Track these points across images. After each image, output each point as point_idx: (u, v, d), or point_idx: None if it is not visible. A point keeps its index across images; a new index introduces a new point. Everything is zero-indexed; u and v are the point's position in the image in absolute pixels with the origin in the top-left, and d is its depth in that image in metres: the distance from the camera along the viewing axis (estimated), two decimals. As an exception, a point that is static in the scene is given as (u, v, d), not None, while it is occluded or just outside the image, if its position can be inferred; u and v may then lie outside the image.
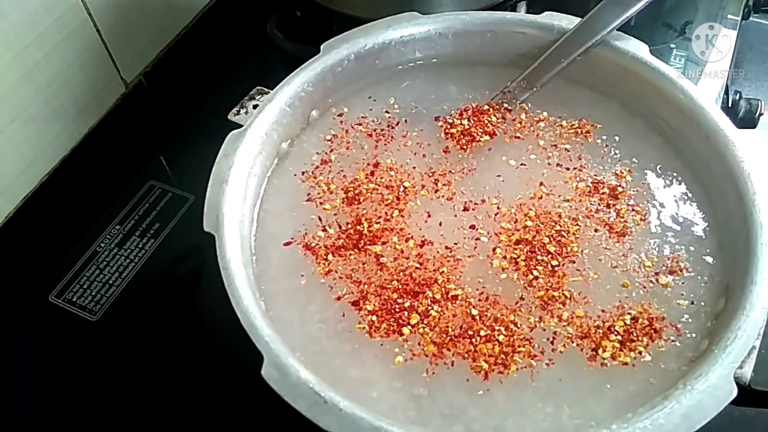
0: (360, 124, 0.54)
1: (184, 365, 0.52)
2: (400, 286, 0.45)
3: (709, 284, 0.45)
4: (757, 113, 0.60)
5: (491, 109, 0.54)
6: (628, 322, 0.43)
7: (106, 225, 0.59)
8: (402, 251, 0.47)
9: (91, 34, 0.57)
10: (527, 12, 0.63)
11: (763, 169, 0.46)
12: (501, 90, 0.55)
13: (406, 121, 0.54)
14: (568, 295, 0.44)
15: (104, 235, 0.58)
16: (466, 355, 0.42)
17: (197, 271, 0.57)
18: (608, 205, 0.49)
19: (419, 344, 0.43)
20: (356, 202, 0.49)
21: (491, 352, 0.42)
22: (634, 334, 0.43)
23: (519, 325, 0.43)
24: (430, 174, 0.51)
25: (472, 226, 0.48)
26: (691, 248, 0.47)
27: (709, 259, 0.46)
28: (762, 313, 0.40)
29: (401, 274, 0.45)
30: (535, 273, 0.45)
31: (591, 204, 0.49)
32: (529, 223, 0.48)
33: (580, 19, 0.52)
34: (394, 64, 0.56)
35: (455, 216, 0.49)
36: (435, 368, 0.42)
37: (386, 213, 0.49)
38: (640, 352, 0.42)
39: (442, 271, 0.45)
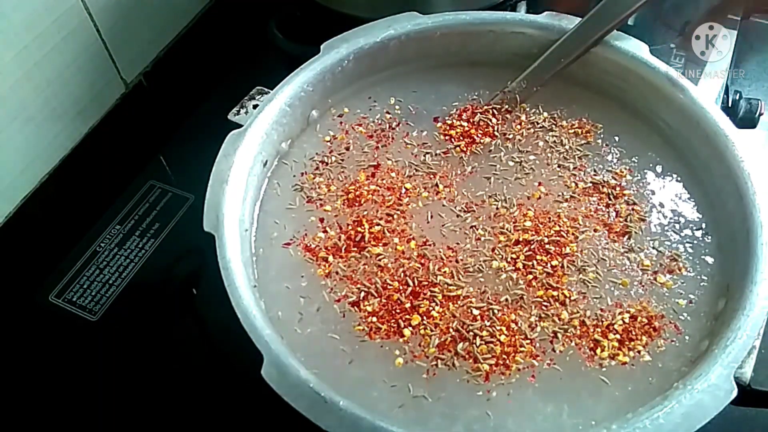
0: (360, 125, 0.54)
1: (184, 365, 0.52)
2: (401, 287, 0.45)
3: (708, 284, 0.45)
4: (757, 113, 0.60)
5: (491, 110, 0.54)
6: (627, 320, 0.43)
7: (106, 225, 0.59)
8: (403, 252, 0.47)
9: (91, 34, 0.57)
10: (527, 12, 0.63)
11: (763, 169, 0.46)
12: (501, 90, 0.55)
13: (406, 121, 0.54)
14: (568, 295, 0.45)
15: (104, 235, 0.58)
16: (467, 356, 0.42)
17: (197, 271, 0.57)
18: (607, 205, 0.49)
19: (420, 345, 0.43)
20: (357, 204, 0.49)
21: (493, 353, 0.42)
22: (633, 333, 0.43)
23: (520, 325, 0.43)
24: (432, 176, 0.51)
25: (473, 227, 0.48)
26: (691, 248, 0.47)
27: (709, 259, 0.46)
28: (762, 313, 0.40)
29: (402, 275, 0.45)
30: (535, 273, 0.45)
31: (590, 204, 0.49)
32: (528, 223, 0.48)
33: (580, 19, 0.52)
34: (394, 64, 0.56)
35: (457, 217, 0.49)
36: (435, 369, 0.42)
37: (387, 214, 0.49)
38: (639, 352, 0.42)
39: (444, 272, 0.45)
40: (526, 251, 0.46)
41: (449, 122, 0.54)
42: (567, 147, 0.52)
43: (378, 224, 0.48)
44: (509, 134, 0.53)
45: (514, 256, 0.46)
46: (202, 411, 0.50)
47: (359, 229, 0.48)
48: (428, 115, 0.55)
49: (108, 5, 0.57)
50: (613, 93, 0.54)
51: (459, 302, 0.44)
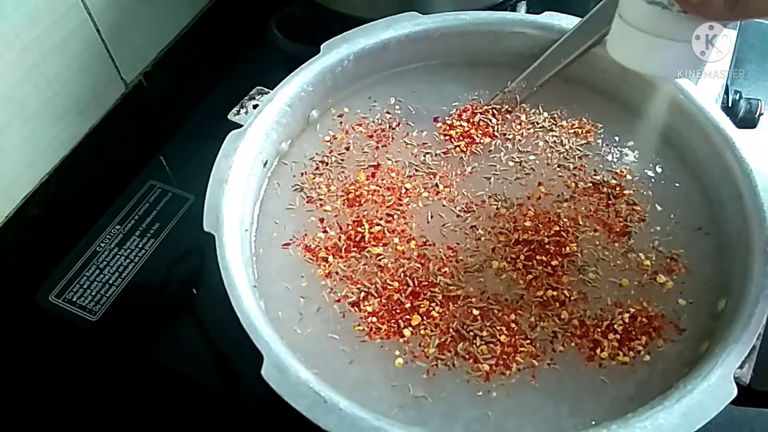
0: (360, 125, 0.54)
1: (183, 365, 0.52)
2: (401, 287, 0.45)
3: (708, 284, 0.45)
4: (757, 113, 0.60)
5: (491, 110, 0.54)
6: (627, 320, 0.43)
7: (106, 225, 0.59)
8: (403, 252, 0.47)
9: (91, 34, 0.57)
10: (527, 12, 0.63)
11: (763, 168, 0.46)
12: (501, 90, 0.55)
13: (406, 121, 0.54)
14: (568, 295, 0.45)
15: (104, 235, 0.58)
16: (467, 356, 0.42)
17: (197, 271, 0.57)
18: (607, 205, 0.49)
19: (420, 346, 0.43)
20: (357, 204, 0.49)
21: (493, 353, 0.42)
22: (633, 333, 0.43)
23: (520, 325, 0.43)
24: (432, 176, 0.51)
25: (473, 227, 0.48)
26: (691, 248, 0.47)
27: (709, 259, 0.46)
28: (762, 313, 0.40)
29: (402, 275, 0.45)
30: (535, 273, 0.45)
31: (590, 204, 0.49)
32: (528, 223, 0.48)
33: (580, 19, 0.52)
34: (394, 64, 0.56)
35: (457, 217, 0.49)
36: (435, 369, 0.42)
37: (387, 215, 0.49)
38: (639, 352, 0.42)
39: (444, 272, 0.45)
40: (526, 251, 0.46)
41: (449, 122, 0.54)
42: (567, 147, 0.52)
43: (378, 224, 0.48)
44: (509, 134, 0.53)
45: (514, 256, 0.46)
46: (202, 411, 0.50)
47: (359, 229, 0.48)
48: (428, 115, 0.55)
49: (108, 5, 0.57)
50: (613, 93, 0.54)
51: (459, 302, 0.44)
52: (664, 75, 0.45)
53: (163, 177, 0.62)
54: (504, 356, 0.42)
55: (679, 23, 0.35)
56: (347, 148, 0.53)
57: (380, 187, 0.50)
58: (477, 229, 0.48)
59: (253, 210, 0.49)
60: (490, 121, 0.54)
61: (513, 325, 0.43)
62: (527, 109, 0.55)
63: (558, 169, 0.51)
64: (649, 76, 0.42)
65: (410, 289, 0.45)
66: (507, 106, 0.55)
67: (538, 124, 0.54)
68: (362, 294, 0.45)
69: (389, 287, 0.45)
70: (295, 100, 0.51)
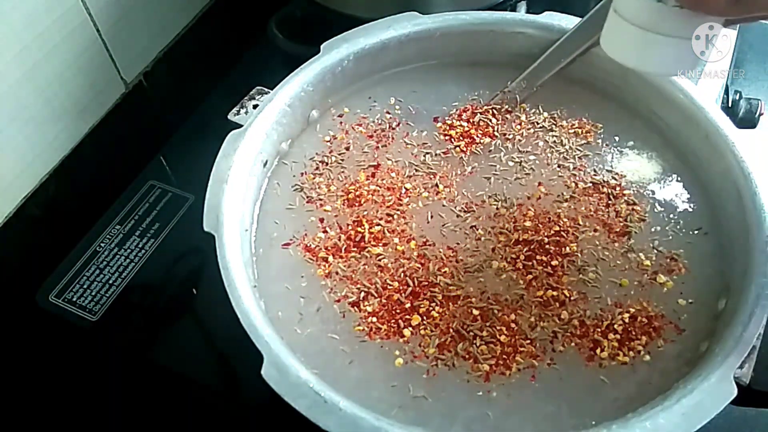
0: (360, 125, 0.54)
1: (183, 365, 0.52)
2: (401, 287, 0.45)
3: (708, 284, 0.45)
4: (757, 113, 0.60)
5: (491, 110, 0.54)
6: (626, 320, 0.44)
7: (106, 225, 0.59)
8: (403, 252, 0.47)
9: (91, 34, 0.57)
10: (527, 12, 0.63)
11: (763, 169, 0.46)
12: (501, 90, 0.55)
13: (406, 121, 0.54)
14: (568, 295, 0.45)
15: (104, 235, 0.58)
16: (467, 356, 0.42)
17: (197, 271, 0.57)
18: (607, 205, 0.49)
19: (420, 346, 0.43)
20: (357, 204, 0.49)
21: (493, 353, 0.42)
22: (633, 333, 0.43)
23: (520, 325, 0.43)
24: (432, 176, 0.51)
25: (473, 227, 0.48)
26: (691, 248, 0.47)
27: (709, 259, 0.46)
28: (762, 313, 0.40)
29: (402, 275, 0.45)
30: (535, 273, 0.45)
31: (590, 204, 0.49)
32: (528, 223, 0.48)
33: (580, 19, 0.52)
34: (394, 65, 0.56)
35: (457, 217, 0.49)
36: (435, 369, 0.42)
37: (387, 215, 0.49)
38: (639, 352, 0.42)
39: (444, 272, 0.45)
40: (526, 251, 0.46)
41: (449, 122, 0.54)
42: (567, 147, 0.52)
43: (378, 224, 0.48)
44: (509, 134, 0.53)
45: (514, 256, 0.46)
46: (202, 411, 0.50)
47: (359, 229, 0.48)
48: (428, 115, 0.55)
49: (108, 5, 0.57)
50: (613, 93, 0.54)
51: (459, 302, 0.44)
52: (660, 72, 0.44)
53: (163, 177, 0.62)
54: (504, 356, 0.42)
55: (675, 18, 0.35)
56: (347, 148, 0.53)
57: (380, 187, 0.50)
58: (477, 229, 0.48)
59: (253, 210, 0.49)
60: (490, 121, 0.54)
61: (513, 325, 0.43)
62: (527, 109, 0.55)
63: (558, 169, 0.51)
64: (645, 73, 0.41)
65: (410, 289, 0.45)
66: (507, 106, 0.55)
67: (538, 124, 0.54)
68: (362, 294, 0.45)
69: (389, 287, 0.45)
70: (295, 100, 0.51)
